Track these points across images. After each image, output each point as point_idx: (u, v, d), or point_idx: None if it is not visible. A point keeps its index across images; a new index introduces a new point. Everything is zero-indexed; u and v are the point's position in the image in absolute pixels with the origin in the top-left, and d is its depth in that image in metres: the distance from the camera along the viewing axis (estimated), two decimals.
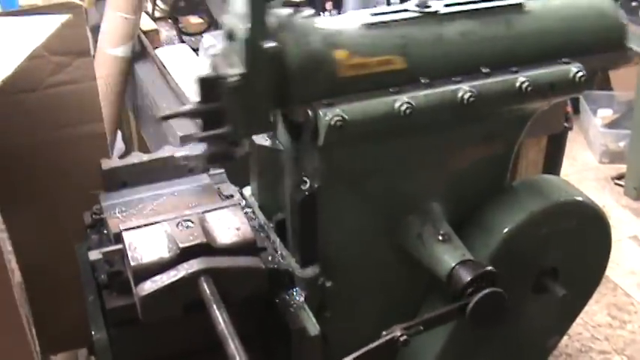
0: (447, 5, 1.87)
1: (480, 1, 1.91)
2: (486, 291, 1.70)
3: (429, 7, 1.85)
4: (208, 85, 1.68)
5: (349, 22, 1.80)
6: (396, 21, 1.81)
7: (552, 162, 3.44)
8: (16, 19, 2.08)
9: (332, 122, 1.63)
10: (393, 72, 1.77)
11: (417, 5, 1.85)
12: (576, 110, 5.08)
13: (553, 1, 1.99)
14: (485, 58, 1.84)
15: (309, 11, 1.75)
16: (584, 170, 4.89)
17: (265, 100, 1.68)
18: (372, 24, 1.79)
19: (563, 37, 1.94)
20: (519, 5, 1.91)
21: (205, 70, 1.71)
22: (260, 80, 1.64)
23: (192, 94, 2.88)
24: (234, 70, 1.63)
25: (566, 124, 3.29)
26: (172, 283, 1.55)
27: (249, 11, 1.59)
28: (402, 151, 1.82)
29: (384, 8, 1.89)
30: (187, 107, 1.77)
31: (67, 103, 2.26)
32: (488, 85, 1.78)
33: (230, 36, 1.68)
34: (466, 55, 1.84)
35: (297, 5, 1.74)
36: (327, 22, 1.78)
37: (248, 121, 1.70)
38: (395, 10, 1.86)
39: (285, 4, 1.73)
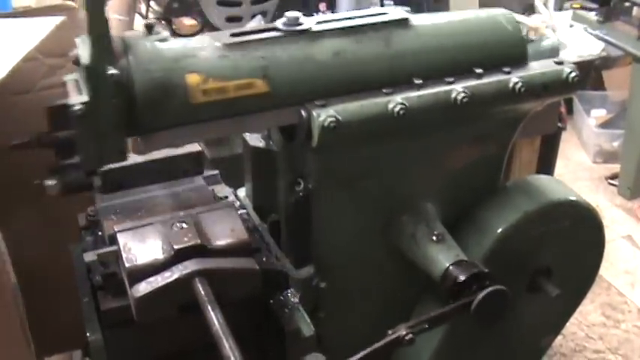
0: (319, 22, 1.78)
1: (358, 18, 1.82)
2: (491, 288, 1.71)
3: (298, 24, 1.75)
4: (57, 114, 1.61)
5: (207, 43, 1.69)
6: (258, 40, 1.71)
7: (546, 162, 3.44)
8: (9, 21, 2.09)
9: (325, 123, 1.63)
10: (254, 96, 1.67)
11: (285, 24, 1.75)
12: (570, 110, 5.09)
13: (445, 17, 1.92)
14: (360, 78, 1.75)
15: (164, 34, 1.67)
16: (577, 170, 4.89)
17: (114, 129, 1.57)
18: (232, 44, 1.68)
19: (454, 53, 1.85)
20: (403, 21, 1.83)
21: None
22: (105, 108, 1.54)
23: None
24: (79, 99, 1.53)
25: (559, 125, 3.29)
26: (167, 285, 1.55)
27: (90, 34, 1.49)
28: (396, 151, 1.82)
29: (249, 27, 1.80)
30: (37, 135, 1.66)
31: None
32: (481, 85, 1.78)
33: (76, 61, 1.58)
34: (340, 76, 1.74)
35: (150, 27, 1.66)
36: (181, 44, 1.68)
37: (98, 150, 1.58)
38: (260, 29, 1.77)
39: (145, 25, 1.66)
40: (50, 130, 1.63)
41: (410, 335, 1.65)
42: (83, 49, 1.54)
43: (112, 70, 1.51)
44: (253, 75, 1.66)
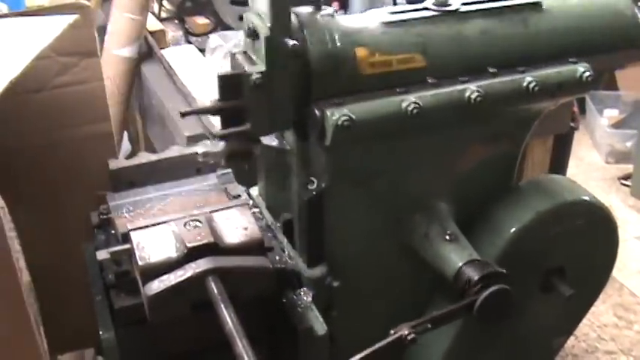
0: (465, 4, 1.87)
1: (497, 1, 1.91)
2: (494, 288, 1.70)
3: (448, 5, 1.85)
4: (228, 83, 1.69)
5: (369, 20, 1.80)
6: (415, 19, 1.82)
7: (558, 162, 3.44)
8: (23, 19, 2.09)
9: (339, 122, 1.63)
10: (413, 70, 1.78)
11: (436, 4, 1.85)
12: (582, 110, 5.07)
13: (570, 1, 2.00)
14: (503, 56, 1.85)
15: (329, 9, 1.76)
16: (590, 170, 4.88)
17: (287, 97, 1.69)
18: (392, 22, 1.80)
19: (579, 35, 1.95)
20: (537, 4, 1.92)
21: (225, 68, 1.71)
22: (282, 78, 1.66)
23: (199, 94, 2.91)
24: (256, 68, 1.64)
25: (572, 124, 3.28)
26: (180, 283, 1.55)
27: (271, 9, 1.60)
28: (409, 150, 1.82)
29: (403, 7, 1.89)
30: (207, 104, 1.76)
31: (73, 104, 2.26)
32: (495, 85, 1.78)
33: (251, 34, 1.69)
34: (485, 53, 1.85)
35: (317, 3, 1.74)
36: (348, 21, 1.78)
37: (270, 118, 1.71)
38: (414, 8, 1.86)
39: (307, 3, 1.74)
40: (220, 98, 1.71)
41: (412, 335, 1.64)
42: (260, 23, 1.65)
43: (291, 42, 1.64)
44: (413, 50, 1.79)
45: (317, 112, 1.67)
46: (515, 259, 1.90)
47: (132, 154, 3.78)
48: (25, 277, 1.70)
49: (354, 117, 1.64)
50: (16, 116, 2.08)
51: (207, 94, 2.91)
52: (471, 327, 1.93)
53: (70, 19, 2.06)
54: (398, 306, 1.97)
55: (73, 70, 2.23)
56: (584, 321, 2.33)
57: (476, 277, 1.72)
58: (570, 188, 2.06)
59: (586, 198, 2.03)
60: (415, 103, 1.69)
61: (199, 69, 3.30)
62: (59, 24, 2.01)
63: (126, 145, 3.82)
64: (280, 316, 1.79)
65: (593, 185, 4.60)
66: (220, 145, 1.74)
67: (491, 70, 1.81)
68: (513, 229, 1.91)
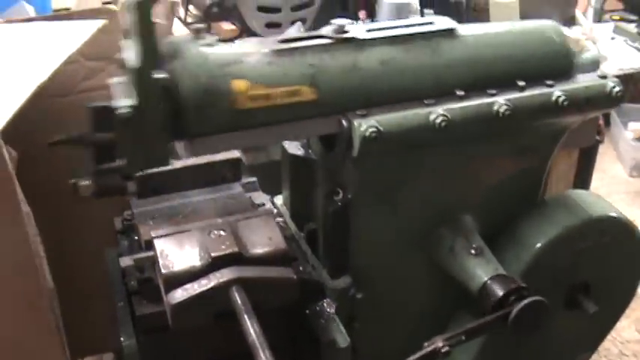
0: (367, 31, 1.76)
1: (406, 27, 1.80)
2: (529, 300, 1.68)
3: (345, 32, 1.73)
4: (100, 115, 1.58)
5: (255, 48, 1.67)
6: (306, 48, 1.69)
7: (583, 175, 3.42)
8: (52, 23, 2.09)
9: (367, 133, 1.61)
10: (301, 103, 1.65)
11: (334, 31, 1.74)
12: (607, 123, 5.05)
13: (492, 27, 1.90)
14: (407, 87, 1.74)
15: (210, 37, 1.65)
16: (613, 184, 4.85)
17: (160, 133, 1.56)
18: (280, 51, 1.67)
19: (498, 65, 1.83)
20: (450, 31, 1.81)
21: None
22: (152, 112, 1.53)
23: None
24: (125, 102, 1.53)
25: (597, 137, 3.27)
26: (203, 292, 1.54)
27: (138, 38, 1.49)
28: (436, 163, 1.81)
29: (296, 34, 1.79)
30: (78, 134, 1.62)
31: None
32: (524, 98, 1.76)
33: (122, 64, 1.57)
34: (384, 85, 1.72)
35: (198, 31, 1.65)
36: (229, 50, 1.66)
37: (142, 154, 1.59)
38: (309, 35, 1.75)
39: (190, 29, 1.66)
40: (91, 130, 1.60)
41: (446, 348, 1.63)
42: (130, 53, 1.53)
43: (159, 74, 1.51)
44: (301, 82, 1.65)
45: (344, 122, 1.65)
46: (540, 275, 1.89)
47: None
48: (48, 282, 1.71)
49: (381, 128, 1.62)
50: (42, 120, 2.08)
51: None
52: (495, 342, 1.91)
53: (99, 24, 2.06)
54: (420, 318, 1.97)
55: (100, 74, 2.23)
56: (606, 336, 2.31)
57: (501, 293, 1.71)
58: (597, 204, 2.03)
59: (613, 214, 2.01)
60: (443, 115, 1.67)
61: None
62: (88, 29, 2.01)
63: None
64: (303, 327, 1.78)
65: (617, 199, 4.57)
66: (90, 180, 1.66)
67: (519, 83, 1.78)
68: (539, 244, 1.89)
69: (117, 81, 1.64)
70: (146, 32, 1.49)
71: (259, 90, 1.61)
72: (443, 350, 1.62)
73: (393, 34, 1.76)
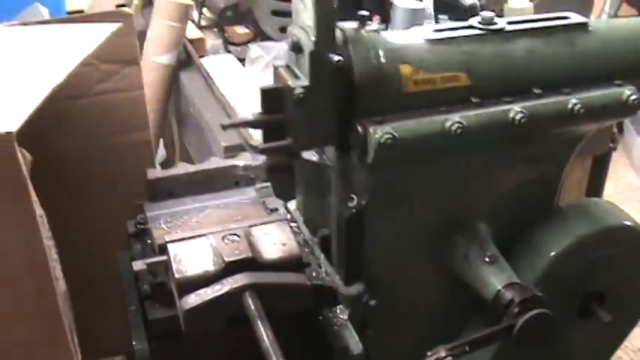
0: (510, 23, 1.86)
1: (543, 20, 1.89)
2: (534, 312, 1.67)
3: (494, 24, 1.83)
4: (271, 96, 1.69)
5: (414, 37, 1.79)
6: (460, 37, 1.80)
7: (596, 183, 3.41)
8: (67, 26, 2.09)
9: (382, 140, 1.62)
10: (457, 88, 1.76)
11: (481, 22, 1.83)
12: (620, 130, 5.04)
13: (617, 22, 1.98)
14: (548, 77, 1.83)
15: (374, 25, 1.76)
16: (627, 191, 4.83)
17: (329, 113, 1.68)
18: (437, 40, 1.79)
19: (625, 58, 1.92)
20: (583, 25, 1.89)
21: (265, 79, 1.70)
22: (325, 93, 1.65)
23: (238, 104, 2.90)
24: (299, 83, 1.63)
25: (611, 145, 3.25)
26: (217, 298, 1.54)
27: (317, 23, 1.59)
28: (451, 170, 1.81)
29: (448, 25, 1.88)
30: (249, 117, 1.75)
31: (113, 111, 2.26)
32: (539, 106, 1.76)
33: (295, 48, 1.67)
34: (530, 73, 1.82)
35: (363, 18, 1.73)
36: (393, 37, 1.76)
37: (311, 133, 1.70)
38: (459, 26, 1.85)
39: (353, 18, 1.73)
40: (263, 111, 1.71)
41: (449, 358, 1.62)
42: (305, 37, 1.63)
43: (336, 57, 1.61)
44: (458, 68, 1.76)
45: (360, 129, 1.65)
46: (554, 283, 1.88)
47: (167, 161, 3.79)
48: (61, 285, 1.70)
49: (396, 135, 1.63)
50: (57, 122, 2.08)
51: (246, 104, 2.90)
52: (505, 351, 1.90)
53: (114, 27, 2.06)
54: (433, 326, 1.96)
55: (114, 77, 2.23)
56: None
57: (515, 301, 1.70)
58: (612, 212, 2.03)
59: (628, 223, 2.00)
60: (459, 122, 1.68)
61: (238, 79, 3.29)
62: (102, 32, 2.01)
63: (161, 152, 3.82)
64: (315, 334, 1.77)
65: (630, 206, 4.51)
66: (261, 159, 1.74)
67: (536, 91, 1.78)
68: (554, 253, 1.88)
69: (281, 63, 1.76)
70: (325, 17, 1.60)
71: (422, 75, 1.73)
72: None
73: (535, 26, 1.87)
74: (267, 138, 1.73)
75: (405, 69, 1.71)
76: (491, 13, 1.85)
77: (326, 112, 1.67)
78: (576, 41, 1.88)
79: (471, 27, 1.84)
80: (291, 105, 1.64)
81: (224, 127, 1.76)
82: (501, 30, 1.84)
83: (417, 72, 1.72)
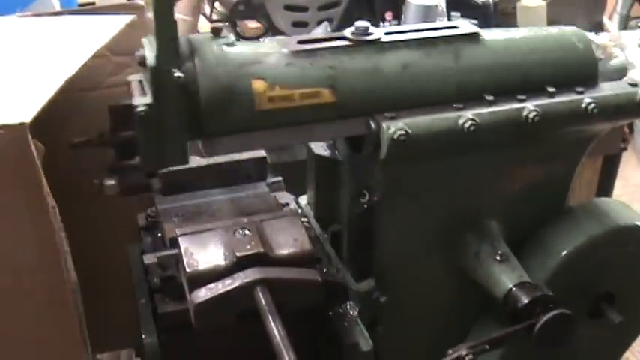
0: (388, 33, 1.74)
1: (428, 30, 1.79)
2: (555, 312, 1.67)
3: (368, 34, 1.72)
4: (119, 114, 1.59)
5: (274, 49, 1.66)
6: (326, 49, 1.68)
7: (606, 183, 3.41)
8: (80, 17, 2.09)
9: (395, 136, 1.60)
10: (320, 105, 1.64)
11: (354, 33, 1.72)
12: (630, 130, 5.02)
13: (514, 33, 1.87)
14: (429, 92, 1.73)
15: (230, 37, 1.64)
16: (635, 192, 4.82)
17: (177, 131, 1.55)
18: (299, 52, 1.65)
19: (523, 70, 1.81)
20: (473, 35, 1.79)
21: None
22: (169, 111, 1.53)
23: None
24: (141, 100, 1.53)
25: (621, 145, 3.25)
26: (228, 292, 1.53)
27: (157, 35, 1.48)
28: (463, 167, 1.80)
29: (316, 35, 1.79)
30: (96, 136, 1.65)
31: None
32: (553, 104, 1.75)
33: (141, 62, 1.56)
34: (408, 89, 1.71)
35: (218, 30, 1.63)
36: (248, 50, 1.65)
37: (159, 152, 1.57)
38: (329, 37, 1.74)
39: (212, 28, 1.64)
40: (112, 129, 1.62)
41: (470, 356, 1.62)
42: (149, 50, 1.53)
43: (177, 73, 1.49)
44: (320, 84, 1.63)
45: (372, 124, 1.65)
46: (565, 283, 1.87)
47: None
48: (72, 277, 1.71)
49: (409, 131, 1.61)
50: (68, 114, 2.08)
51: None
52: (516, 351, 1.90)
53: (127, 19, 2.06)
54: (443, 323, 1.96)
55: (127, 70, 2.22)
56: None
57: (526, 300, 1.69)
58: (624, 213, 2.02)
59: (639, 223, 1.99)
60: (472, 120, 1.67)
61: None
62: (116, 24, 2.01)
63: None
64: (325, 330, 1.77)
65: (639, 207, 4.53)
66: (114, 179, 1.68)
67: (549, 89, 1.77)
68: (564, 252, 1.88)
69: (135, 78, 1.65)
70: (165, 30, 1.48)
71: (278, 91, 1.60)
72: (467, 359, 1.62)
73: (414, 37, 1.75)
74: (119, 156, 1.64)
75: (258, 85, 1.58)
76: (366, 23, 1.73)
77: (173, 130, 1.55)
78: (462, 54, 1.76)
79: (342, 38, 1.72)
80: (136, 123, 1.52)
81: (71, 147, 1.68)
82: (375, 41, 1.71)
83: (272, 88, 1.59)
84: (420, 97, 1.71)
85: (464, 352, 1.62)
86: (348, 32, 1.72)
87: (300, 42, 1.68)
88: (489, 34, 1.82)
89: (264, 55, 1.63)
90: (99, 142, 1.65)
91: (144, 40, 1.59)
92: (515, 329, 1.69)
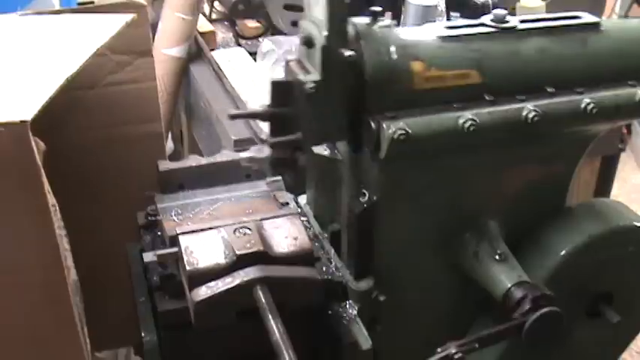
0: (522, 22, 1.85)
1: (555, 19, 1.88)
2: (544, 310, 1.67)
3: (506, 22, 1.82)
4: (281, 90, 1.69)
5: (426, 34, 1.77)
6: (471, 35, 1.79)
7: (604, 183, 3.41)
8: (80, 16, 2.09)
9: (395, 136, 1.61)
10: (468, 86, 1.74)
11: (494, 20, 1.82)
12: (628, 131, 5.03)
13: (630, 22, 1.98)
14: (561, 76, 1.82)
15: (387, 21, 1.73)
16: (633, 192, 4.84)
17: (340, 108, 1.67)
18: (448, 37, 1.77)
19: (638, 59, 1.90)
20: (596, 24, 1.88)
21: (276, 74, 1.70)
22: (336, 88, 1.63)
23: (248, 98, 2.90)
24: (310, 77, 1.62)
25: (620, 146, 3.25)
26: (228, 290, 1.54)
27: (329, 18, 1.57)
28: (463, 167, 1.80)
29: (460, 22, 1.87)
30: (258, 108, 1.76)
31: (125, 102, 2.26)
32: (553, 104, 1.76)
33: (307, 42, 1.67)
34: (542, 72, 1.81)
35: (375, 14, 1.71)
36: (405, 33, 1.76)
37: (321, 128, 1.69)
38: (471, 24, 1.84)
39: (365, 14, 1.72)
40: (271, 104, 1.72)
41: (459, 354, 1.62)
42: (317, 31, 1.63)
43: (348, 52, 1.61)
44: (470, 66, 1.75)
45: (373, 124, 1.65)
46: (563, 282, 1.88)
47: (175, 154, 3.79)
48: (72, 275, 1.71)
49: (409, 131, 1.63)
50: (67, 112, 2.08)
51: (256, 98, 2.90)
52: (513, 351, 1.90)
53: (128, 17, 2.06)
54: (442, 322, 1.96)
55: (127, 68, 2.23)
56: None
57: (524, 299, 1.70)
58: (623, 213, 2.02)
59: (638, 224, 2.00)
60: (472, 119, 1.68)
61: (249, 72, 3.29)
62: (116, 22, 2.01)
63: (169, 145, 3.82)
64: (324, 328, 1.77)
65: (636, 208, 4.47)
66: (266, 152, 1.75)
67: (549, 89, 1.78)
68: (563, 252, 1.88)
69: (293, 57, 1.76)
70: (338, 12, 1.58)
71: (434, 72, 1.72)
72: (456, 357, 1.62)
73: (546, 25, 1.86)
74: (274, 132, 1.73)
75: (417, 66, 1.70)
76: (504, 11, 1.84)
77: (336, 107, 1.66)
78: (588, 41, 1.86)
79: (482, 25, 1.83)
80: (302, 99, 1.63)
81: (231, 117, 1.79)
82: (513, 28, 1.82)
83: (428, 69, 1.70)
84: (554, 79, 1.81)
85: (453, 351, 1.62)
86: (486, 19, 1.83)
87: (448, 27, 1.81)
88: (608, 24, 1.93)
89: (420, 39, 1.77)
90: (256, 116, 1.82)
91: (303, 22, 1.70)
92: (505, 328, 1.70)
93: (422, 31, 1.80)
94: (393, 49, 1.68)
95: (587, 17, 1.90)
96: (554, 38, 1.84)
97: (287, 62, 1.76)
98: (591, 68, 1.86)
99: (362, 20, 1.70)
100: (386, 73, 1.66)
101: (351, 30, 1.65)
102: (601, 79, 1.84)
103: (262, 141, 1.77)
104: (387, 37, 1.70)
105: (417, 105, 1.69)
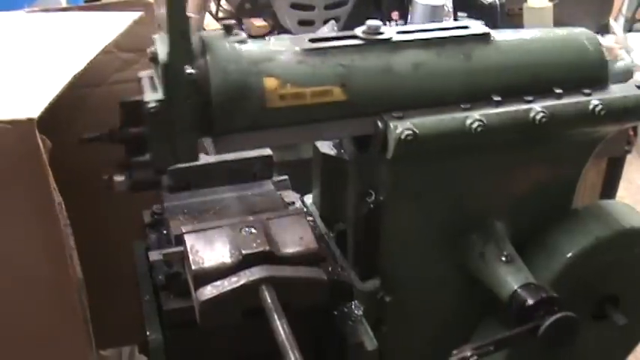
0: (399, 33, 1.74)
1: (439, 30, 1.79)
2: (560, 314, 1.67)
3: (379, 33, 1.71)
4: (131, 109, 1.58)
5: (286, 47, 1.65)
6: (337, 48, 1.67)
7: (610, 185, 3.41)
8: (88, 13, 2.09)
9: (402, 136, 1.60)
10: (331, 104, 1.64)
11: (365, 32, 1.71)
12: (635, 133, 5.01)
13: (525, 34, 1.87)
14: (439, 92, 1.72)
15: (242, 34, 1.63)
16: (639, 194, 4.82)
17: (188, 128, 1.55)
18: (311, 50, 1.64)
19: (533, 71, 1.80)
20: (484, 36, 1.78)
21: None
22: (180, 107, 1.52)
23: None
24: (152, 96, 1.53)
25: (626, 147, 3.25)
26: (233, 290, 1.53)
27: (169, 32, 1.46)
28: (470, 168, 1.80)
29: (327, 34, 1.77)
30: (107, 131, 1.64)
31: None
32: (561, 106, 1.75)
33: (153, 59, 1.57)
34: (418, 89, 1.71)
35: (230, 27, 1.63)
36: (260, 47, 1.64)
37: (170, 149, 1.57)
38: (340, 35, 1.73)
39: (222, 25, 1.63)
40: (122, 125, 1.61)
41: (475, 357, 1.62)
42: (161, 47, 1.53)
43: (189, 70, 1.49)
44: (331, 83, 1.63)
45: (380, 124, 1.64)
46: (569, 285, 1.87)
47: None
48: (77, 273, 1.70)
49: (417, 131, 1.61)
50: (74, 110, 2.08)
51: None
52: (520, 353, 1.90)
53: (135, 15, 2.06)
54: (448, 323, 1.96)
55: (134, 66, 2.22)
56: None
57: (531, 302, 1.69)
58: (631, 215, 2.01)
59: None
60: (479, 120, 1.67)
61: None
62: (124, 20, 2.01)
63: None
64: (329, 329, 1.77)
65: None
66: (124, 175, 1.66)
67: (556, 90, 1.77)
68: (570, 254, 1.87)
69: (146, 74, 1.64)
70: (178, 26, 1.47)
71: (290, 89, 1.59)
72: (472, 359, 1.61)
73: (425, 37, 1.75)
74: (130, 152, 1.63)
75: (270, 82, 1.58)
76: (378, 22, 1.72)
77: (183, 127, 1.55)
78: (473, 54, 1.75)
79: (354, 37, 1.71)
80: (147, 119, 1.53)
81: (82, 141, 1.67)
82: (387, 40, 1.71)
83: (283, 86, 1.59)
84: (430, 96, 1.71)
85: (468, 354, 1.62)
86: (359, 31, 1.72)
87: (312, 40, 1.68)
88: (500, 35, 1.82)
89: (276, 53, 1.63)
90: (108, 138, 1.64)
91: (155, 37, 1.59)
92: (521, 331, 1.69)
93: (282, 45, 1.67)
94: (242, 65, 1.57)
95: (476, 28, 1.80)
96: (433, 51, 1.73)
97: (139, 79, 1.66)
98: (473, 84, 1.75)
99: (211, 34, 1.61)
100: (233, 91, 1.56)
101: (197, 45, 1.55)
102: (488, 95, 1.74)
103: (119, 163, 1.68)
104: (237, 52, 1.59)
105: (271, 125, 1.62)
